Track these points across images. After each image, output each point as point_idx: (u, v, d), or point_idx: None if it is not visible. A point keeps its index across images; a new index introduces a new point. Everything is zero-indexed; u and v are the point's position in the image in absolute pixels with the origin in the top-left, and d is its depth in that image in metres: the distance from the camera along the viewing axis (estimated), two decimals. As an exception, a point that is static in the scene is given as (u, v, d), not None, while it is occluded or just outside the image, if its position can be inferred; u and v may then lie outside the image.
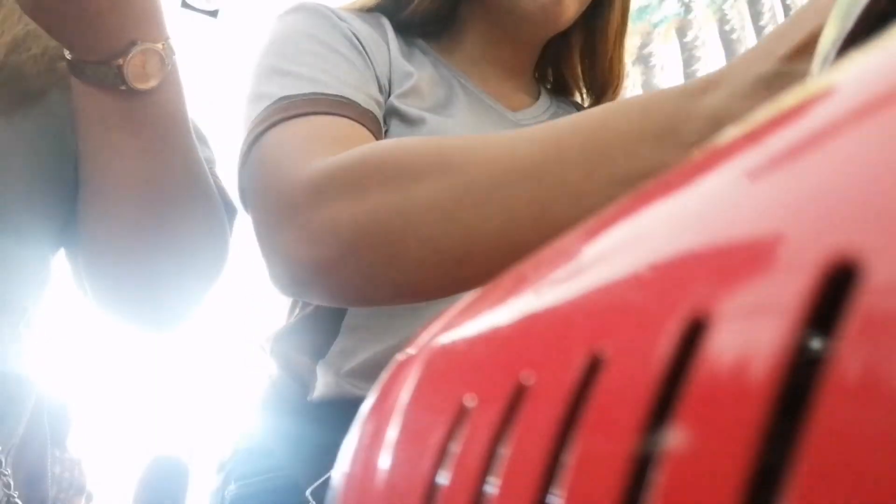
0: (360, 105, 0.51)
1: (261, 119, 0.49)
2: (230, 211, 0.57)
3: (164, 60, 0.45)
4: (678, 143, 0.35)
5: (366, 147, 0.42)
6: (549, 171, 0.36)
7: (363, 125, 0.50)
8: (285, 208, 0.42)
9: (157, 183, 0.47)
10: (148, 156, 0.47)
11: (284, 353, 0.62)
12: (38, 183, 0.48)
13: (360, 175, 0.40)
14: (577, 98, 0.78)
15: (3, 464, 0.45)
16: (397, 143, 0.42)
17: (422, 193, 0.37)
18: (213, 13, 2.98)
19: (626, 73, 0.74)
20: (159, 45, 0.44)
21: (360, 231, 0.38)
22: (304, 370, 0.60)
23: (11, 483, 0.45)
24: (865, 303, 0.08)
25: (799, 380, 0.09)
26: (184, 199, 0.49)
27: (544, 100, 0.73)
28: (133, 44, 0.42)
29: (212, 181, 0.52)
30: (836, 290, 0.09)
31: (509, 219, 0.36)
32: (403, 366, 0.20)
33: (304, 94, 0.49)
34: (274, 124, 0.48)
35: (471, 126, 0.62)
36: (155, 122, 0.46)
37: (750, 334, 0.09)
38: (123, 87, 0.44)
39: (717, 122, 0.34)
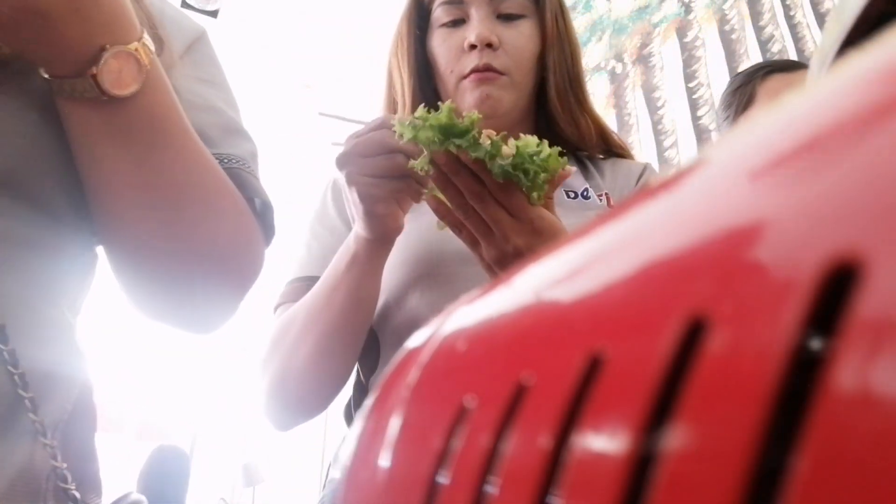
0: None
1: (281, 291, 0.80)
2: (265, 209, 0.56)
3: (141, 63, 0.43)
4: None
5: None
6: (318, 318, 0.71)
7: None
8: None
9: (160, 190, 0.46)
10: (145, 165, 0.45)
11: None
12: (69, 163, 0.46)
13: (262, 359, 0.76)
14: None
15: (49, 435, 0.44)
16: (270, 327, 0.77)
17: (278, 359, 0.74)
18: (214, 13, 2.98)
19: (594, 124, 0.85)
20: (132, 47, 0.42)
21: (273, 384, 0.75)
22: None
23: (58, 455, 0.45)
24: (866, 303, 0.08)
25: (799, 380, 0.09)
26: (193, 202, 0.48)
27: None
28: (103, 49, 0.41)
29: (227, 180, 0.51)
30: (837, 289, 0.09)
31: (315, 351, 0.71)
32: (404, 365, 0.20)
33: (294, 280, 0.79)
34: (279, 305, 0.79)
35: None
36: (146, 130, 0.45)
37: (750, 335, 0.09)
38: (105, 98, 0.42)
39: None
